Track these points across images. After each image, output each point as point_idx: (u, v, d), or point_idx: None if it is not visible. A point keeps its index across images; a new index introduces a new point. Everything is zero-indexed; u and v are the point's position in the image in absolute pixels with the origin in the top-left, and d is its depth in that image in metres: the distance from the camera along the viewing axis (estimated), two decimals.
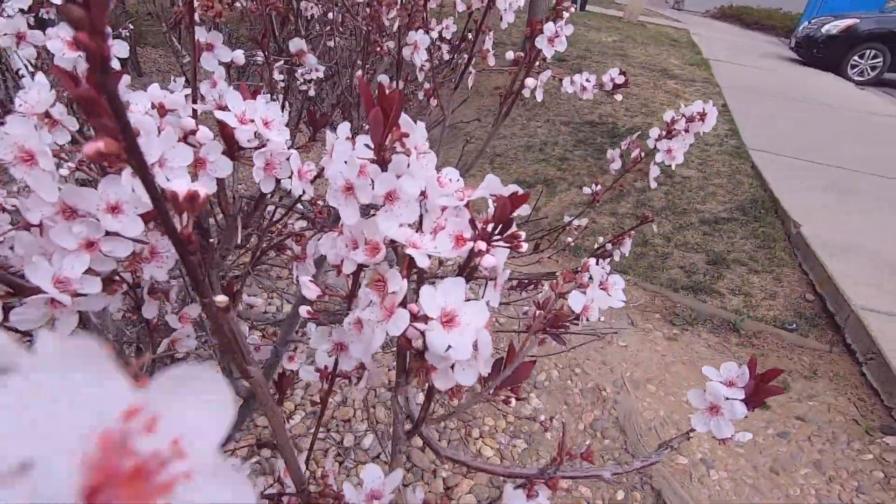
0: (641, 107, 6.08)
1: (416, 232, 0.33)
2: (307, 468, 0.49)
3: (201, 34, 0.50)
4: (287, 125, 0.81)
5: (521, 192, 0.34)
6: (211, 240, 0.46)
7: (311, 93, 0.97)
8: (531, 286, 1.12)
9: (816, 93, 6.77)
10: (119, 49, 0.44)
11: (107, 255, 0.30)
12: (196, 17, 0.51)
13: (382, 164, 0.33)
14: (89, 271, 0.31)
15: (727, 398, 0.40)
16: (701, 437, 2.35)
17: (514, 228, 0.34)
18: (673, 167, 0.90)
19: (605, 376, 2.71)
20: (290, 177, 0.42)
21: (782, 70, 7.77)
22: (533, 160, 5.32)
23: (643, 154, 0.93)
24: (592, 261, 0.44)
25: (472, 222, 0.35)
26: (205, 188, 0.36)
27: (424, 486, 2.27)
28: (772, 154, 4.80)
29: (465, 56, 0.80)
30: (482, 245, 0.32)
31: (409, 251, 0.27)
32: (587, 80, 0.93)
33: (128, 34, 1.82)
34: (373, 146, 0.32)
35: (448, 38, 0.96)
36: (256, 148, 0.39)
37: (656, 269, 3.48)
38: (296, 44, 0.60)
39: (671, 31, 8.83)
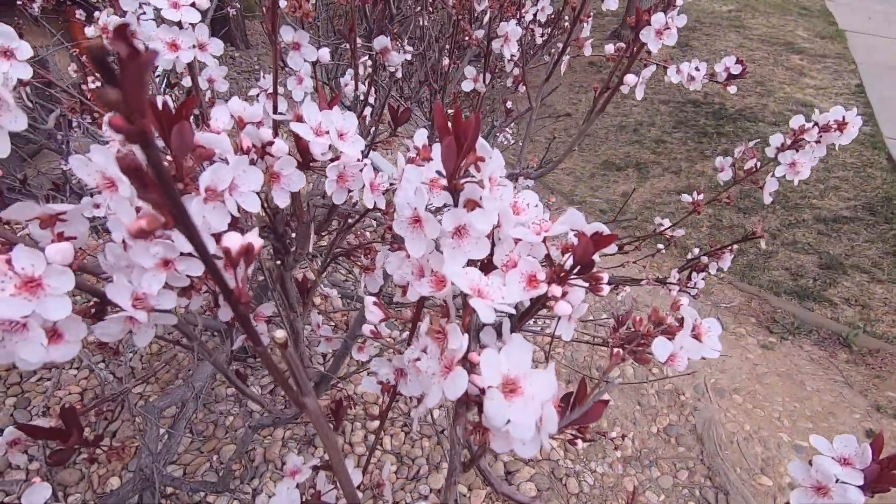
0: (756, 85, 5.44)
1: (485, 269, 0.30)
2: (362, 480, 0.49)
3: (287, 33, 0.50)
4: (372, 114, 0.80)
5: (605, 231, 0.30)
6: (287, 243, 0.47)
7: (399, 74, 0.96)
8: (613, 288, 1.05)
9: None
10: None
11: (181, 273, 0.31)
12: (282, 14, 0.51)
13: (454, 193, 0.30)
14: (165, 286, 0.32)
15: (839, 480, 0.34)
16: (789, 455, 2.14)
17: (595, 269, 0.30)
18: (796, 182, 0.78)
19: (684, 379, 2.54)
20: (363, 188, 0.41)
21: None
22: (625, 141, 4.99)
23: (759, 165, 0.82)
24: (685, 300, 0.38)
25: (548, 258, 0.32)
26: (282, 202, 0.36)
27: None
28: None
29: (559, 44, 0.74)
30: (557, 291, 0.29)
31: (473, 303, 0.25)
32: (696, 69, 0.82)
33: (234, 11, 1.92)
34: (445, 174, 0.30)
35: (542, 20, 0.90)
36: (331, 160, 0.38)
37: (756, 269, 3.16)
38: (380, 41, 0.58)
39: None
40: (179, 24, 0.47)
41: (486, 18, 0.68)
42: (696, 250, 0.93)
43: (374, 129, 0.72)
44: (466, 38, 0.72)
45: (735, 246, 0.95)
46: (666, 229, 0.99)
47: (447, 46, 0.83)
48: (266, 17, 0.43)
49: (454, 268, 0.26)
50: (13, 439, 0.42)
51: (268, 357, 0.24)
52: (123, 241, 0.30)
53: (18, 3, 1.67)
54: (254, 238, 0.20)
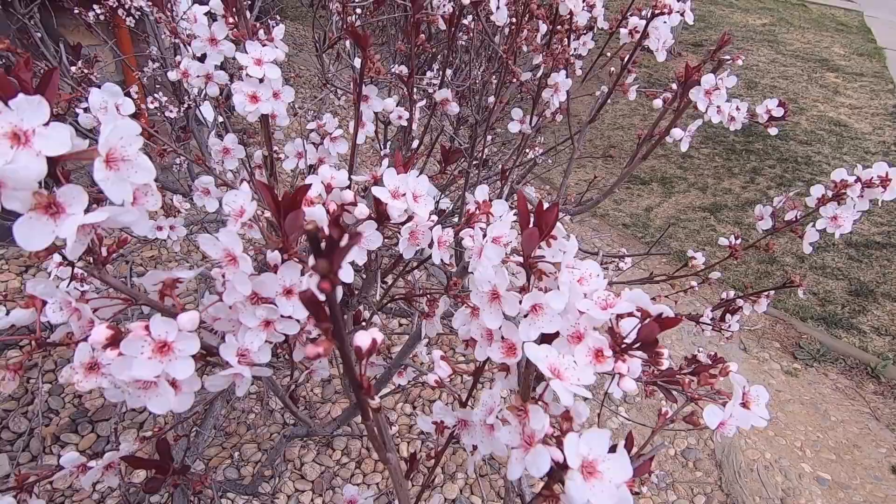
0: (788, 102, 5.36)
1: (549, 339, 0.33)
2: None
3: (370, 91, 0.53)
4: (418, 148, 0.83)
5: (670, 312, 0.33)
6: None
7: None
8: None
9: None
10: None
11: (279, 332, 0.34)
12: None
13: (528, 269, 0.33)
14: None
15: None
16: (811, 487, 2.11)
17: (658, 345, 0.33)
18: (837, 235, 0.79)
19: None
20: (431, 245, 0.44)
21: None
22: (651, 155, 4.96)
23: (799, 216, 0.83)
24: (733, 366, 0.41)
25: (611, 332, 0.35)
26: (360, 259, 0.39)
27: (500, 479, 2.31)
28: None
29: (603, 87, 0.76)
30: (623, 369, 0.31)
31: (554, 385, 0.28)
32: (736, 109, 0.83)
33: (275, 23, 1.97)
34: (523, 254, 0.33)
35: (583, 55, 0.92)
36: (405, 221, 0.42)
37: (783, 293, 3.12)
38: (442, 93, 0.62)
39: (839, 14, 7.60)
40: (260, 79, 0.51)
41: (538, 67, 0.71)
42: (731, 292, 0.93)
43: (424, 163, 0.75)
44: (514, 80, 0.75)
45: (772, 292, 0.96)
46: (702, 271, 1.00)
47: (493, 83, 0.86)
48: (353, 89, 0.46)
49: (537, 351, 0.29)
50: (108, 464, 0.46)
51: (371, 430, 0.27)
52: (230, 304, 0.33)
53: (76, 10, 1.75)
54: (377, 334, 0.23)
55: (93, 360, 0.33)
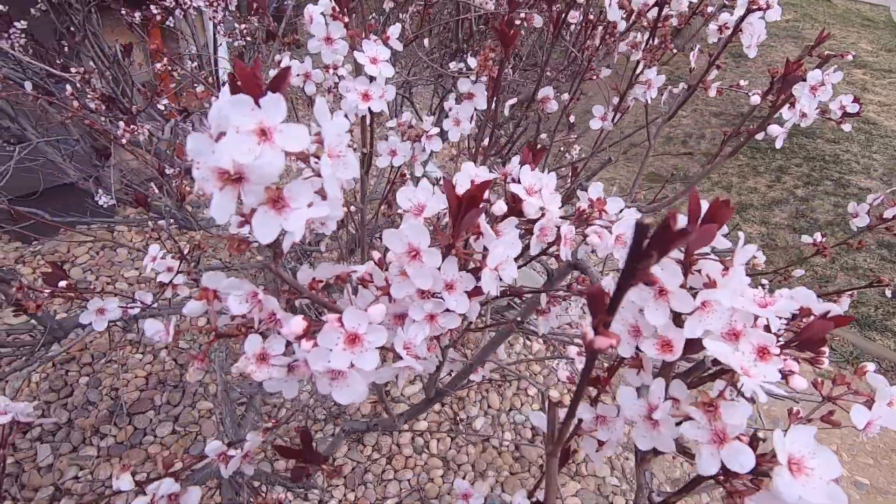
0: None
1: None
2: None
3: (464, 84, 0.54)
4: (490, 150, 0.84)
5: (839, 310, 0.33)
6: None
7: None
8: None
9: None
10: None
11: (441, 325, 0.35)
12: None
13: (688, 267, 0.34)
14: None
15: None
16: (848, 491, 2.08)
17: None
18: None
19: None
20: (555, 242, 0.44)
21: None
22: (673, 153, 4.90)
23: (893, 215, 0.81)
24: (871, 366, 0.40)
25: (767, 328, 0.35)
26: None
27: (531, 477, 2.30)
28: None
29: (682, 84, 0.76)
30: (794, 366, 0.32)
31: (745, 381, 0.28)
32: (842, 106, 0.80)
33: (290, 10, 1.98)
34: (684, 252, 0.33)
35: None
36: (538, 219, 0.42)
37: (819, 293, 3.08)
38: (545, 91, 0.62)
39: (865, 9, 7.46)
40: (371, 78, 0.52)
41: (634, 59, 0.71)
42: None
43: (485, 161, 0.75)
44: (594, 77, 0.75)
45: (855, 292, 0.94)
46: (781, 269, 0.99)
47: (566, 80, 0.86)
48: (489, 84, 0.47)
49: (723, 347, 0.29)
50: (247, 452, 0.47)
51: (553, 420, 0.27)
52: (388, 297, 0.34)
53: (122, 12, 1.78)
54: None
55: (263, 350, 0.34)
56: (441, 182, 0.34)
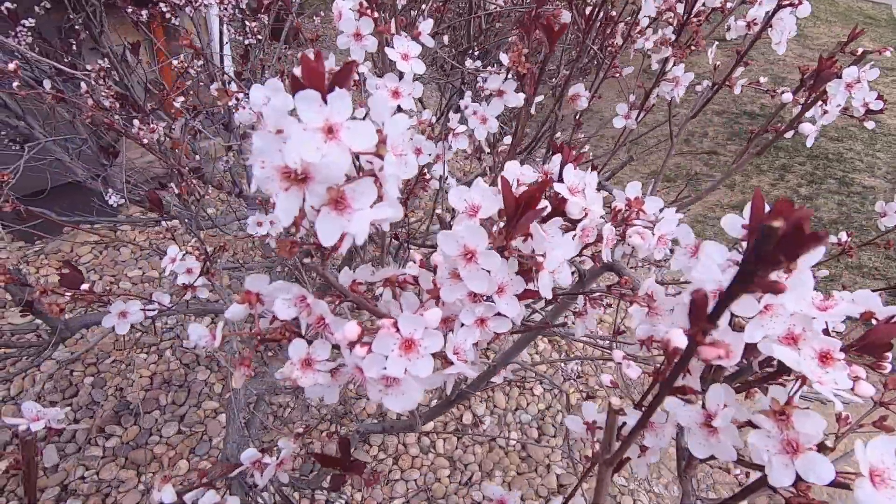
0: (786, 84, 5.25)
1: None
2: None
3: (494, 81, 0.53)
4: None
5: None
6: None
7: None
8: None
9: None
10: None
11: (491, 329, 0.34)
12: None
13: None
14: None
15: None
16: None
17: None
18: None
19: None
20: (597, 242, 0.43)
21: None
22: (676, 152, 4.90)
23: None
24: None
25: (826, 332, 0.34)
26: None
27: (538, 477, 2.30)
28: None
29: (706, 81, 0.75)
30: (861, 372, 0.31)
31: (823, 390, 0.27)
32: (837, 105, 0.80)
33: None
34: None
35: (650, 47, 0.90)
36: (580, 219, 0.41)
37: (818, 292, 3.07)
38: (577, 88, 0.61)
39: (867, 7, 7.47)
40: (400, 76, 0.51)
41: (660, 58, 0.70)
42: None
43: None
44: (616, 74, 0.74)
45: (884, 292, 0.93)
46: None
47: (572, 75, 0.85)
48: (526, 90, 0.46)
49: (789, 353, 0.28)
50: (282, 459, 0.46)
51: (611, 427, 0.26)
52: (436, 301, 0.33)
53: (129, 10, 1.76)
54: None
55: (308, 356, 0.33)
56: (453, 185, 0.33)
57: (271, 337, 0.32)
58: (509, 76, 0.54)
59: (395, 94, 0.51)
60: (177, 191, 0.89)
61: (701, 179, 4.52)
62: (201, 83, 2.12)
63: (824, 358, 0.32)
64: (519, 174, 0.38)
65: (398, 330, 0.28)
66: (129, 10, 1.70)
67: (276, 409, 2.56)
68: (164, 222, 0.82)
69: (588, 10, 0.61)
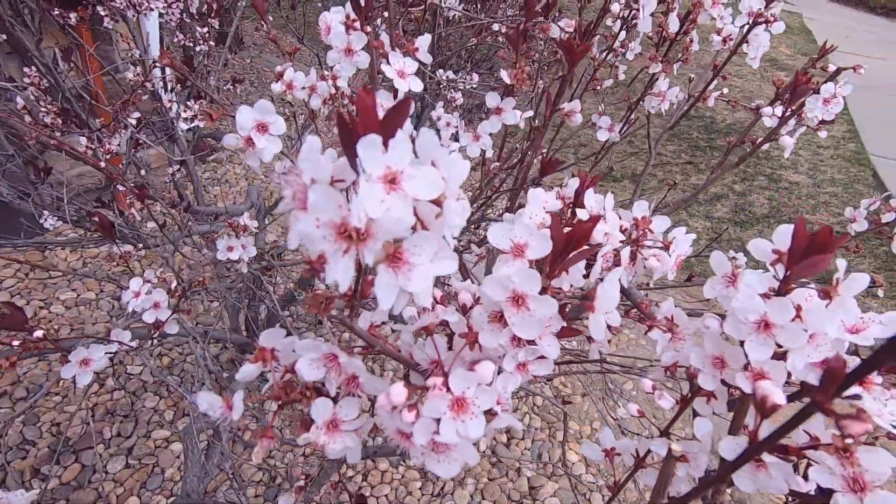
0: (745, 100, 5.63)
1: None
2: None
3: (493, 98, 0.51)
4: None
5: None
6: None
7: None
8: None
9: None
10: None
11: (532, 373, 0.32)
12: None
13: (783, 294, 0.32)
14: None
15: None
16: None
17: None
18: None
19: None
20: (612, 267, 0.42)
21: None
22: (621, 153, 5.08)
23: (893, 219, 0.85)
24: None
25: (856, 353, 0.34)
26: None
27: (509, 482, 2.30)
28: None
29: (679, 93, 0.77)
30: None
31: (879, 421, 0.26)
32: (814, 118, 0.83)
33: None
34: (781, 280, 0.31)
35: (630, 58, 0.92)
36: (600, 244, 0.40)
37: None
38: (573, 105, 0.59)
39: (781, 16, 8.07)
40: (394, 93, 0.48)
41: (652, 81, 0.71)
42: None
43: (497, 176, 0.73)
44: (598, 87, 0.74)
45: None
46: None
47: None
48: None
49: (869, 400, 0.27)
50: None
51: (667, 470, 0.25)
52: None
53: (55, 12, 1.61)
54: None
55: (334, 417, 0.29)
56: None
57: (293, 398, 0.29)
58: (505, 95, 0.52)
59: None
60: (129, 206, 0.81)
61: (645, 179, 4.72)
62: (140, 92, 1.98)
63: (863, 382, 0.32)
64: (544, 201, 0.36)
65: (448, 388, 0.25)
66: (56, 13, 1.55)
67: (235, 434, 2.43)
68: (115, 247, 0.74)
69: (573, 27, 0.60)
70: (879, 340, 0.34)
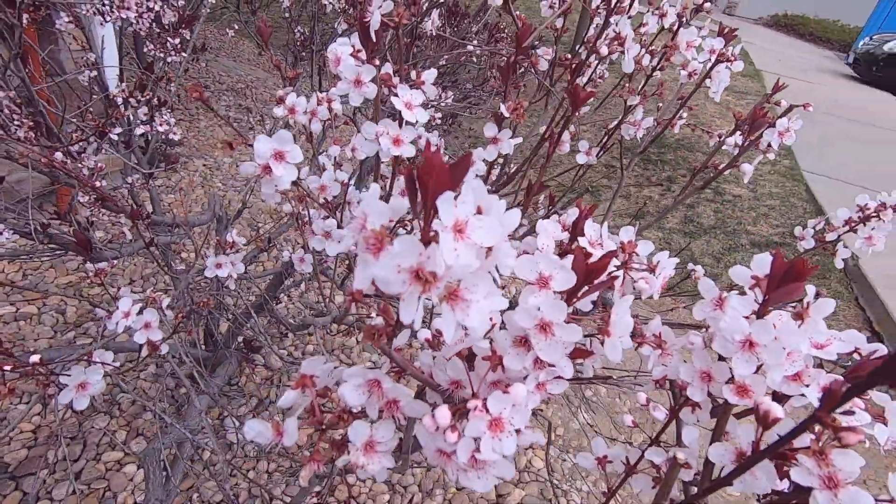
0: (690, 118, 5.98)
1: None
2: None
3: (490, 130, 0.54)
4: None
5: (883, 350, 0.38)
6: None
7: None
8: None
9: (878, 115, 6.57)
10: None
11: (548, 392, 0.34)
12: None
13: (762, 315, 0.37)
14: None
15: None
16: None
17: None
18: (869, 252, 0.90)
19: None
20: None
21: (839, 87, 7.55)
22: (578, 166, 5.28)
23: (839, 236, 0.94)
24: None
25: (820, 365, 0.39)
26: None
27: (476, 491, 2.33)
28: (828, 178, 4.72)
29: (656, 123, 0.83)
30: (861, 404, 0.36)
31: (879, 433, 0.31)
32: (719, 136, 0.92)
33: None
34: (762, 303, 0.36)
35: (599, 83, 0.99)
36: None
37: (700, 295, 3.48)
38: (565, 137, 0.63)
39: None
40: (400, 123, 0.50)
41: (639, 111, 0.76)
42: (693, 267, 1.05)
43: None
44: (576, 116, 0.79)
45: None
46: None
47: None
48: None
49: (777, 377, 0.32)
50: None
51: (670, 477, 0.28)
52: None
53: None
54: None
55: (371, 439, 0.31)
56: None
57: (332, 422, 0.30)
58: (501, 127, 0.56)
59: (396, 141, 0.50)
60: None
61: (601, 191, 4.90)
62: (96, 96, 1.90)
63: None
64: (552, 230, 0.39)
65: (488, 410, 0.28)
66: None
67: (193, 452, 2.33)
68: (90, 264, 0.71)
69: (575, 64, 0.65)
70: (841, 354, 0.39)
